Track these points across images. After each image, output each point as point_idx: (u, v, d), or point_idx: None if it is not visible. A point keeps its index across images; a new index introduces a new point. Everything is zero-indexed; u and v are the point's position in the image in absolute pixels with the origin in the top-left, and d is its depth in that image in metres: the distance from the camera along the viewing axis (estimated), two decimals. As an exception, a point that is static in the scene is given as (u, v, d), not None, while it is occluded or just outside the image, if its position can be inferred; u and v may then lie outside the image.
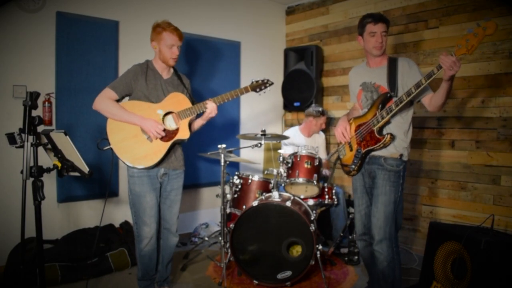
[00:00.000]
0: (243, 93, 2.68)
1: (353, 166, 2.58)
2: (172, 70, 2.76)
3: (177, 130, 2.59)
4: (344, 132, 2.62)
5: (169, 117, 2.60)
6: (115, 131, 2.53)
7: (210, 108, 2.62)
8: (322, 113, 4.02)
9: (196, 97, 3.26)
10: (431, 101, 2.37)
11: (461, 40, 2.05)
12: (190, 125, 2.68)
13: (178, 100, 2.60)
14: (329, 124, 4.55)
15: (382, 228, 2.44)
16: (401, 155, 2.48)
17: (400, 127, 2.49)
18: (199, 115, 2.69)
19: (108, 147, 2.51)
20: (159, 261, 2.81)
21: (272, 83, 2.77)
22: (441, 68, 2.13)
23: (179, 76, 2.77)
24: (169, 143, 2.57)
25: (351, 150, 2.63)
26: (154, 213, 2.64)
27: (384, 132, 2.46)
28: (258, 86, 2.73)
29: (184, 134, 2.59)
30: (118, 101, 2.59)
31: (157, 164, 2.58)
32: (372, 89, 2.54)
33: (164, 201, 2.73)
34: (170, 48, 2.56)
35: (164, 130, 2.55)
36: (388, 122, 2.46)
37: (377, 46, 2.46)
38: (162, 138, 2.55)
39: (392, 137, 2.43)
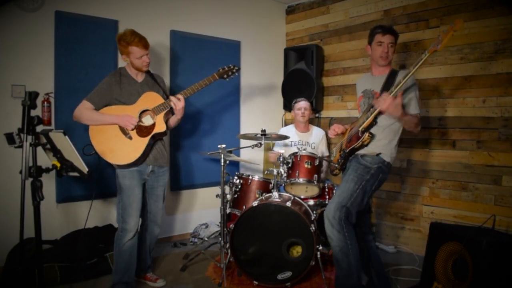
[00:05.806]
0: (211, 82, 2.84)
1: (336, 165, 2.72)
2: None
3: (154, 124, 2.71)
4: (333, 129, 2.80)
5: (147, 115, 2.72)
6: (96, 135, 2.67)
7: (174, 101, 2.71)
8: (296, 101, 3.96)
9: (196, 96, 3.27)
10: None
11: (435, 39, 2.22)
12: (167, 121, 2.84)
13: (152, 98, 2.74)
14: (329, 124, 4.54)
15: (332, 210, 2.49)
16: (379, 154, 2.53)
17: (384, 132, 2.55)
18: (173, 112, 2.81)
19: (93, 152, 2.63)
20: (141, 254, 2.96)
21: (239, 69, 2.96)
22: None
23: (152, 76, 2.87)
24: (147, 138, 2.69)
25: (340, 152, 2.74)
26: (139, 207, 2.77)
27: None
28: (225, 73, 2.92)
29: (160, 127, 2.72)
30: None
31: (140, 160, 2.69)
32: (369, 95, 2.62)
33: (150, 196, 2.89)
34: (140, 58, 2.70)
35: (141, 125, 2.68)
36: (374, 125, 2.52)
37: (383, 56, 2.56)
38: (140, 134, 2.68)
39: (371, 136, 2.51)
